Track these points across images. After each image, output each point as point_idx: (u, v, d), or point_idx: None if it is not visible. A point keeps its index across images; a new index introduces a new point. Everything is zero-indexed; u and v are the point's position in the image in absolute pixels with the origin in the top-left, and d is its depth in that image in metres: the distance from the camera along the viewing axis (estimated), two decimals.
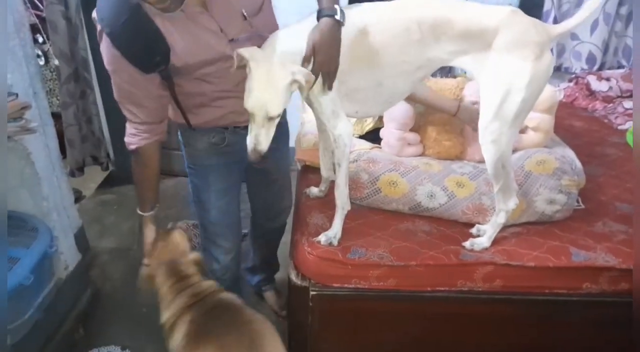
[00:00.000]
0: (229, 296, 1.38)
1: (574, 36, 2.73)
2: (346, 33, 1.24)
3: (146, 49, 1.20)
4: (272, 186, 1.75)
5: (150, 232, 1.48)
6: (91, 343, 1.88)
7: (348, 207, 1.51)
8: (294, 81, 1.16)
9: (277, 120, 1.19)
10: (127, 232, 2.55)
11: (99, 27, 1.20)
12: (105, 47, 1.21)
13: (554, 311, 1.56)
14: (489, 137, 1.35)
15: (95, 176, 3.04)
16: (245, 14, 1.28)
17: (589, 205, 1.74)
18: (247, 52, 1.17)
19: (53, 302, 1.77)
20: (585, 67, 2.83)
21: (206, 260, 1.58)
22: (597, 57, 2.81)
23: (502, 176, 1.42)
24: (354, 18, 1.27)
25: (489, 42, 1.29)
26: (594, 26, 2.71)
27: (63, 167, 2.01)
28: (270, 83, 1.14)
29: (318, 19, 1.21)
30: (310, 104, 1.38)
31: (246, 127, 1.34)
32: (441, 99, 1.75)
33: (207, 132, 1.46)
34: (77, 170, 2.81)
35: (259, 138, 1.18)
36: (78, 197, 2.81)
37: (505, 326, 1.60)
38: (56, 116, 2.22)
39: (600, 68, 2.86)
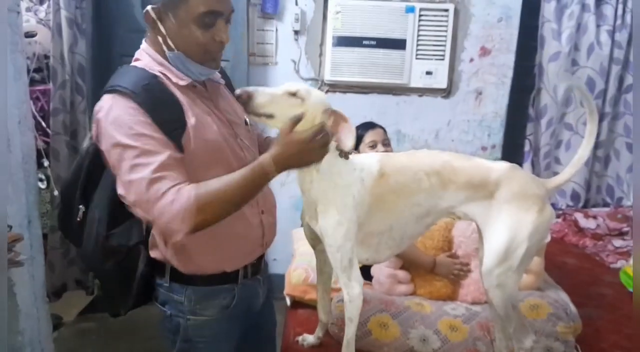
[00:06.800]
0: None
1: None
2: (368, 174, 1.32)
3: (167, 115, 1.06)
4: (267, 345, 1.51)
5: None
6: None
7: None
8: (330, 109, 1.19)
9: (291, 102, 1.17)
10: None
11: (110, 96, 1.04)
12: (121, 107, 1.03)
13: None
14: (494, 282, 1.34)
15: (78, 300, 2.93)
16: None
17: None
18: None
19: None
20: (571, 203, 2.92)
21: None
22: (580, 194, 2.91)
23: (514, 316, 1.38)
24: (375, 161, 1.36)
25: (491, 192, 1.35)
26: None
27: (45, 296, 1.95)
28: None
29: None
30: (326, 253, 1.36)
31: (257, 271, 1.29)
32: (418, 254, 1.78)
33: (217, 294, 1.21)
34: (53, 295, 2.71)
35: (266, 90, 1.16)
36: (57, 323, 2.67)
37: None
38: (45, 236, 2.22)
39: (585, 205, 2.95)
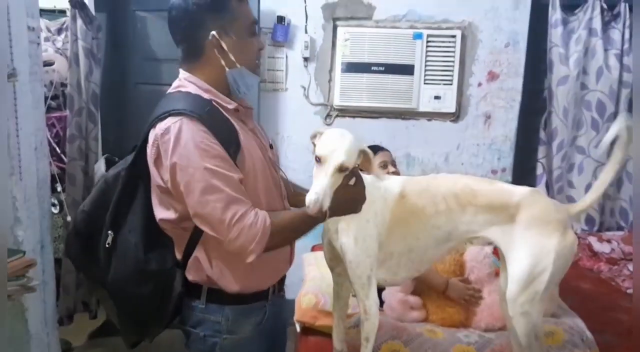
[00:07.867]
0: None
1: (570, 199, 2.84)
2: (390, 194, 1.35)
3: (228, 138, 1.12)
4: None
5: None
6: None
7: None
8: (362, 151, 1.22)
9: (343, 175, 1.17)
10: None
11: (176, 118, 1.07)
12: (192, 130, 1.06)
13: None
14: (519, 310, 1.32)
15: (86, 323, 2.91)
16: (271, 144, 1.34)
17: None
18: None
19: None
20: (586, 228, 2.88)
21: None
22: (595, 218, 2.88)
23: (536, 347, 1.35)
24: (397, 182, 1.39)
25: (512, 216, 1.34)
26: (586, 189, 2.83)
27: (56, 321, 1.95)
28: (343, 137, 1.19)
29: None
30: (343, 277, 1.38)
31: (281, 288, 1.33)
32: (431, 274, 1.77)
33: (251, 312, 1.25)
34: (66, 318, 2.71)
35: (325, 188, 1.10)
36: (67, 349, 2.67)
37: None
38: (58, 261, 2.23)
39: (600, 228, 2.91)
